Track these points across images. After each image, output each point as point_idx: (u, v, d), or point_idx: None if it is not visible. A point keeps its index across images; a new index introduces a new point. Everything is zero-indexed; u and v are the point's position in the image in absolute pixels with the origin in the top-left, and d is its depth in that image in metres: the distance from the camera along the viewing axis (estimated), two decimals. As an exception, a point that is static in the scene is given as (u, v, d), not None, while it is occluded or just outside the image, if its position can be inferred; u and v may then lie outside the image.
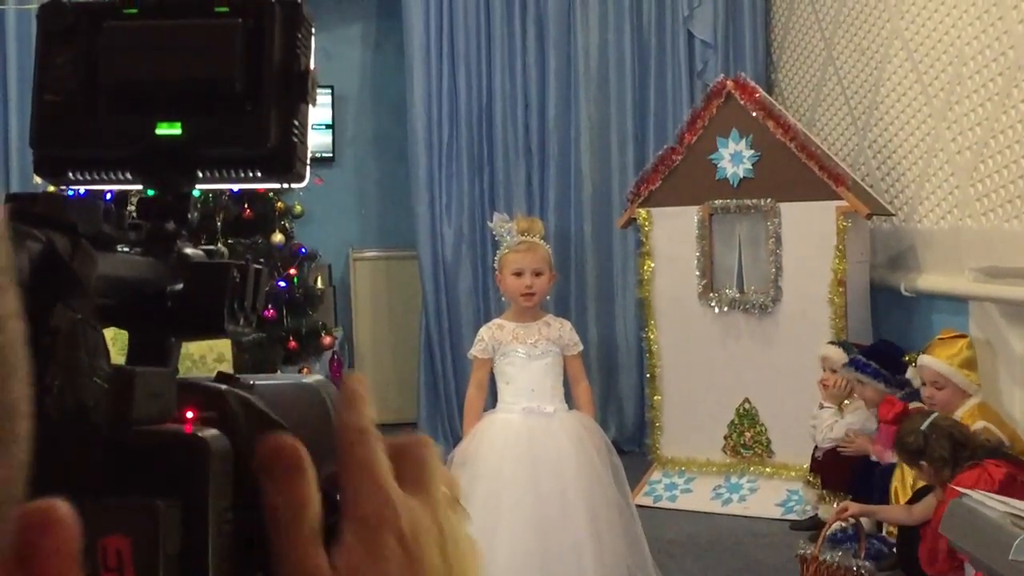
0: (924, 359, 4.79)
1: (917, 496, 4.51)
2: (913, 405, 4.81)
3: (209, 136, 1.03)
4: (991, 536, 2.47)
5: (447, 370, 7.21)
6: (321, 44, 6.82)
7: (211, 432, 0.88)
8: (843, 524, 5.10)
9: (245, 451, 0.94)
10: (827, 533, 4.46)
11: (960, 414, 4.64)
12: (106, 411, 0.74)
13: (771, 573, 4.79)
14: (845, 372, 5.17)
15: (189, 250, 1.06)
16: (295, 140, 1.05)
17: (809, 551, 4.29)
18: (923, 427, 4.26)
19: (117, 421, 0.75)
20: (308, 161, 1.08)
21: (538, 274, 4.26)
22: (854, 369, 5.08)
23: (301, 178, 1.10)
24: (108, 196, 1.04)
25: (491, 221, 4.55)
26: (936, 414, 4.41)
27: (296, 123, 1.05)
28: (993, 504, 2.58)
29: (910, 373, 4.98)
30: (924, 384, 4.79)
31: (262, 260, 1.01)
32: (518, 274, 4.23)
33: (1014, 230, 4.88)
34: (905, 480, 4.76)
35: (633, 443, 6.99)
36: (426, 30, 7.13)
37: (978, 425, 4.54)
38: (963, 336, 4.84)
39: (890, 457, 4.85)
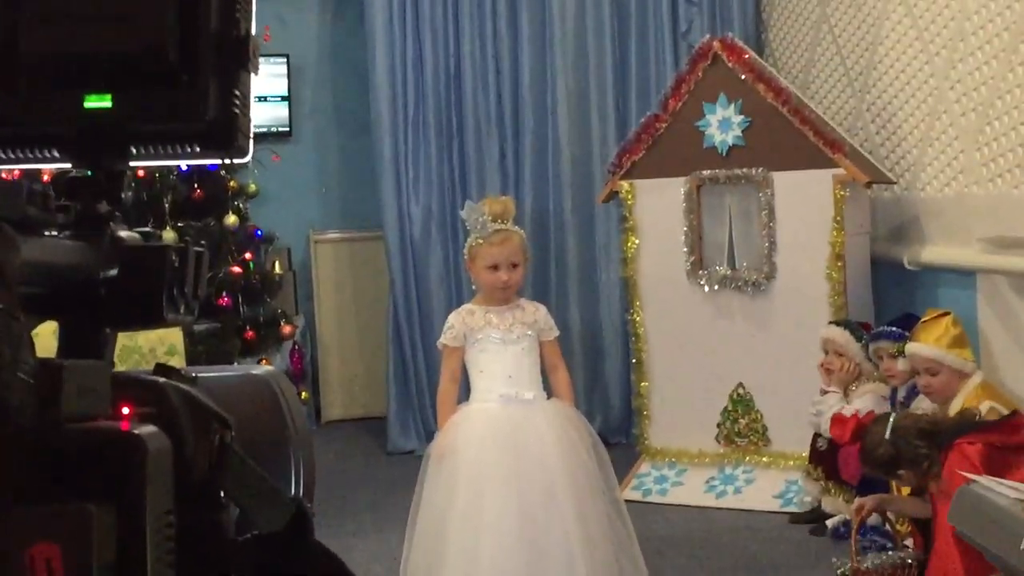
0: (911, 347, 4.80)
1: None
2: (864, 413, 4.82)
3: (142, 109, 1.02)
4: (1001, 523, 2.49)
5: (418, 360, 7.20)
6: (275, 10, 6.81)
7: (149, 429, 0.88)
8: (847, 517, 5.14)
9: (188, 450, 0.94)
10: (856, 534, 4.44)
11: (963, 397, 4.65)
12: (31, 408, 0.74)
13: (769, 569, 4.81)
14: (874, 346, 5.14)
15: (124, 233, 1.05)
16: (236, 112, 1.04)
17: (848, 566, 4.28)
18: (887, 435, 4.21)
19: (44, 419, 0.75)
20: (251, 134, 1.08)
21: (514, 266, 4.26)
22: (890, 340, 5.06)
23: (244, 152, 1.10)
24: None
25: (462, 211, 4.52)
26: (893, 415, 4.36)
27: (237, 93, 1.05)
28: (1003, 490, 2.60)
29: (901, 364, 4.99)
30: (918, 373, 4.80)
31: (203, 242, 1.00)
32: (493, 267, 4.23)
33: (1023, 196, 4.90)
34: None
35: (620, 434, 7.00)
36: (388, -7, 7.10)
37: (984, 406, 4.55)
38: (946, 313, 4.84)
39: (855, 396, 5.07)
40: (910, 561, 4.29)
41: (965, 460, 3.95)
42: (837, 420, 4.82)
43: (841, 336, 5.30)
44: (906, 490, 4.62)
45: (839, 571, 4.29)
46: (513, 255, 4.25)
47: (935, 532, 4.07)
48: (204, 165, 6.05)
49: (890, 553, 4.35)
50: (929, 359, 4.72)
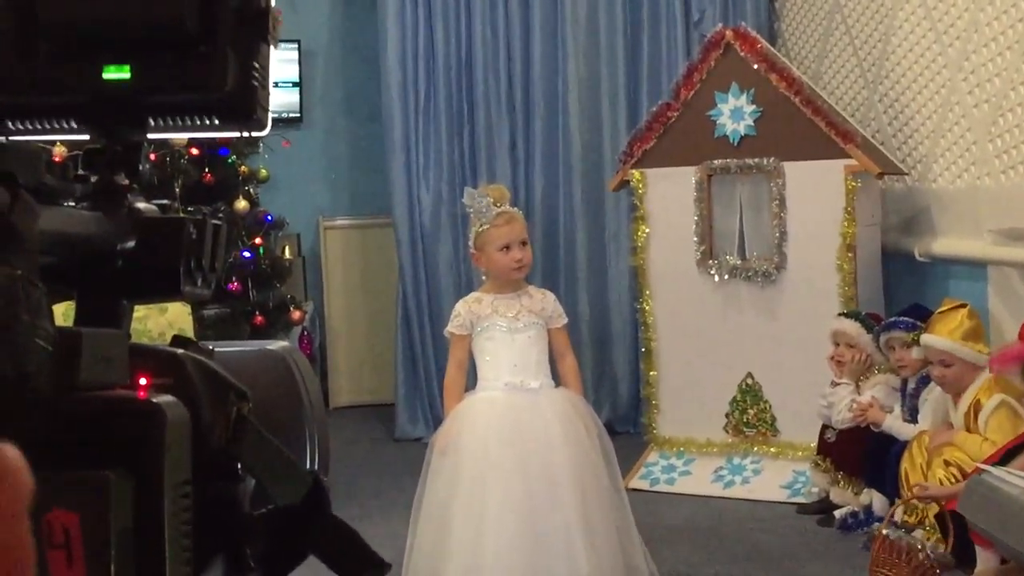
0: (925, 338, 4.77)
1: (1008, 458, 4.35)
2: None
3: (161, 80, 1.01)
4: (1013, 513, 2.48)
5: (426, 347, 7.20)
6: (287, -6, 6.69)
7: (167, 399, 0.88)
8: (855, 508, 5.14)
9: (205, 420, 0.93)
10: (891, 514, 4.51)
11: (974, 389, 4.64)
12: (49, 376, 0.73)
13: (776, 559, 4.80)
14: (886, 336, 5.13)
15: (141, 204, 1.05)
16: (255, 84, 1.04)
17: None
18: None
19: (62, 386, 0.74)
20: (269, 107, 1.07)
21: (524, 244, 4.27)
22: (903, 329, 5.05)
23: (263, 125, 1.09)
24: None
25: (463, 197, 4.52)
26: None
27: (256, 65, 1.04)
28: (1015, 480, 2.59)
29: (915, 353, 4.97)
30: (932, 363, 4.79)
31: (221, 215, 0.99)
32: (506, 248, 4.22)
33: (1036, 189, 4.89)
34: (915, 461, 4.77)
35: (628, 423, 7.00)
36: (400, -22, 7.09)
37: (994, 400, 4.54)
38: (963, 305, 4.82)
39: (867, 387, 5.05)
40: (922, 547, 4.26)
41: None
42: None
43: (852, 328, 5.29)
44: (918, 462, 4.62)
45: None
46: (522, 233, 4.26)
47: None
48: (215, 148, 6.07)
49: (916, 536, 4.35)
50: (942, 351, 4.70)
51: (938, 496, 4.43)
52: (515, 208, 4.39)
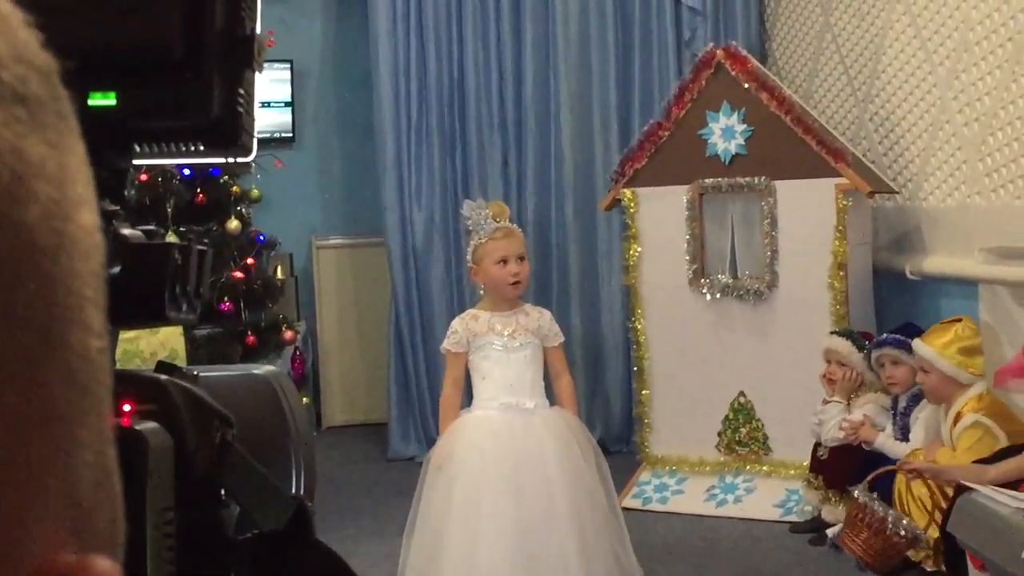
0: (915, 342, 4.83)
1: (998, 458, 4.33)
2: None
3: (146, 107, 1.02)
4: (1002, 533, 2.49)
5: (419, 367, 7.20)
6: (279, 15, 6.80)
7: (150, 426, 0.88)
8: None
9: (189, 447, 0.94)
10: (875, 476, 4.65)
11: (957, 405, 4.67)
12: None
13: (769, 579, 4.81)
14: (877, 352, 5.15)
15: (127, 230, 1.05)
16: (240, 110, 1.04)
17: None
18: None
19: (45, 414, 0.75)
20: (255, 133, 1.08)
21: (522, 259, 4.26)
22: (893, 347, 5.07)
23: (248, 151, 1.10)
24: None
25: (463, 208, 4.53)
26: None
27: (241, 91, 1.05)
28: (1004, 499, 2.59)
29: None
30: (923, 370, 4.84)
31: (206, 241, 1.00)
32: (503, 262, 4.22)
33: (1026, 207, 4.90)
34: (907, 479, 4.77)
35: (621, 442, 7.00)
36: (392, -2, 7.11)
37: (969, 418, 4.56)
38: (958, 320, 4.86)
39: (857, 405, 5.09)
40: (903, 533, 4.36)
41: None
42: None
43: (843, 346, 5.30)
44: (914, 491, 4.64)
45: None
46: (520, 248, 4.25)
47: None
48: (207, 169, 6.07)
49: (891, 519, 4.43)
50: (923, 357, 4.76)
51: (924, 470, 4.51)
52: (515, 225, 4.40)
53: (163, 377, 0.90)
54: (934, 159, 5.62)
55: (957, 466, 4.50)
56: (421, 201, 7.17)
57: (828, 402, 5.30)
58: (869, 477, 4.72)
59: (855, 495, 4.61)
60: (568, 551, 3.95)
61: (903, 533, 4.47)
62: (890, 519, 4.48)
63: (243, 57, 0.97)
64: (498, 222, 4.27)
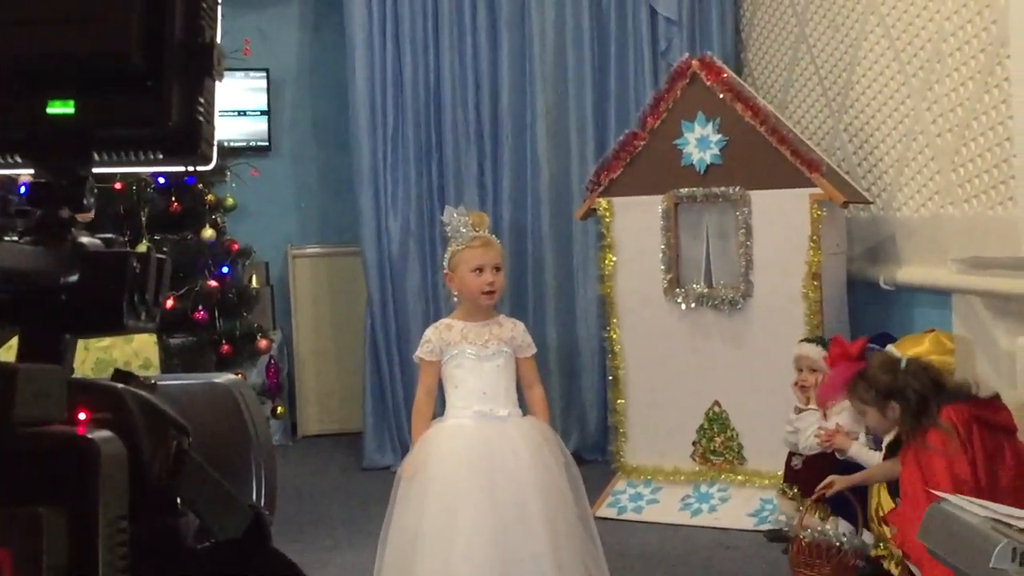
0: (888, 347, 4.85)
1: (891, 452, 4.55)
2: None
3: (106, 115, 1.02)
4: (971, 543, 2.50)
5: (395, 376, 7.20)
6: (255, 24, 6.81)
7: (103, 434, 0.88)
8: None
9: (144, 456, 0.93)
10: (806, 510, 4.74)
11: None
12: (-17, 412, 0.74)
13: (743, 588, 4.81)
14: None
15: (85, 239, 1.05)
16: (200, 119, 1.04)
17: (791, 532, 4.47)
18: (900, 364, 4.32)
19: (-4, 422, 0.75)
20: (215, 142, 1.08)
21: (498, 269, 4.26)
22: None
23: (208, 160, 1.10)
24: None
25: (442, 215, 4.53)
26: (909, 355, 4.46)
27: (201, 100, 1.05)
28: (973, 509, 2.60)
29: None
30: None
31: (165, 250, 1.00)
32: (478, 270, 4.22)
33: (999, 217, 4.92)
34: (881, 489, 4.79)
35: (596, 451, 7.00)
36: (368, 8, 7.10)
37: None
38: (931, 331, 4.90)
39: (832, 413, 5.10)
40: (840, 543, 4.47)
41: (950, 424, 4.03)
42: (836, 342, 4.80)
43: (814, 351, 5.31)
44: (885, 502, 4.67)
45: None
46: (496, 258, 4.25)
47: (901, 493, 4.13)
48: (182, 177, 6.06)
49: (831, 532, 4.51)
50: None
51: (844, 487, 4.64)
52: (494, 236, 4.40)
53: (119, 386, 0.90)
54: (908, 169, 5.65)
55: (871, 470, 4.63)
56: (397, 210, 7.16)
57: (802, 411, 5.30)
58: (812, 497, 4.76)
59: (799, 536, 4.67)
60: (543, 560, 3.95)
61: (850, 551, 4.59)
62: (843, 543, 4.60)
63: (203, 66, 0.97)
64: (477, 231, 4.27)
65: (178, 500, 0.90)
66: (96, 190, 1.01)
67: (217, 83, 1.01)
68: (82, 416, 0.83)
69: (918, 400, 4.21)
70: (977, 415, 4.12)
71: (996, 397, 4.29)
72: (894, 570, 4.61)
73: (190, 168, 0.98)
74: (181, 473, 0.90)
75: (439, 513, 3.99)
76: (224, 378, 1.08)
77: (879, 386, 4.33)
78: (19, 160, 0.99)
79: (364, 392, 7.28)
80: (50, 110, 0.96)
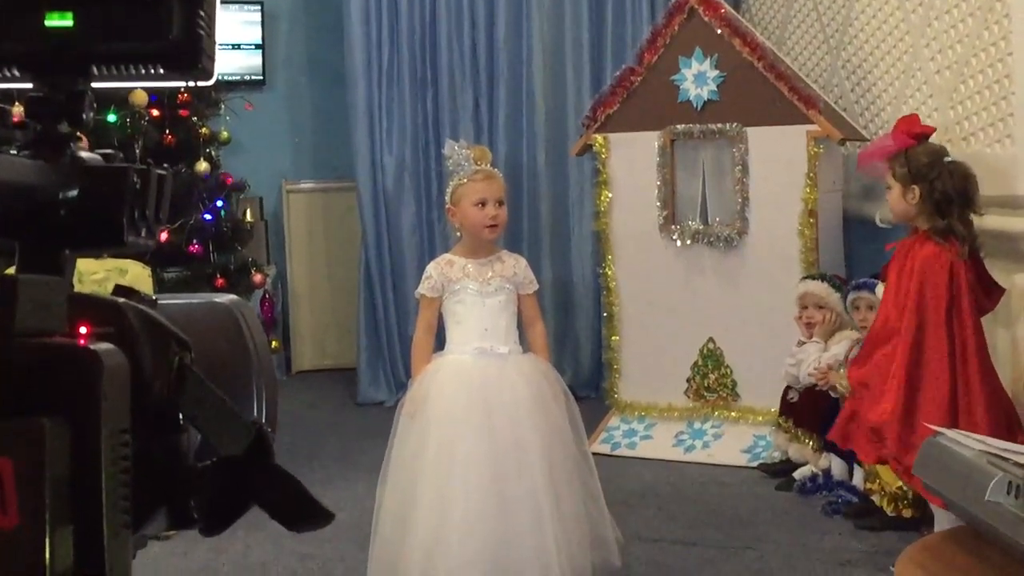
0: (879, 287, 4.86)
1: None
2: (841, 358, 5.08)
3: (104, 28, 1.00)
4: (966, 476, 2.50)
5: (389, 311, 7.20)
6: (249, -45, 6.64)
7: (105, 347, 0.87)
8: (814, 470, 5.18)
9: (146, 370, 0.92)
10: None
11: None
12: (-16, 321, 0.73)
13: (735, 522, 4.83)
14: (854, 295, 5.17)
15: (84, 154, 1.04)
16: (201, 32, 1.03)
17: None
18: (945, 157, 4.30)
19: (-3, 332, 0.74)
20: (215, 56, 1.06)
21: (500, 203, 4.22)
22: (871, 291, 5.08)
23: (208, 75, 1.08)
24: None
25: (443, 149, 4.48)
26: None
27: (202, 13, 1.03)
28: (969, 443, 2.61)
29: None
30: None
31: (166, 165, 0.99)
32: (481, 204, 4.18)
33: (997, 155, 4.90)
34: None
35: (590, 387, 7.02)
36: (363, -60, 7.04)
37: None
38: None
39: (833, 342, 5.18)
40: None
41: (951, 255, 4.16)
42: (911, 117, 4.70)
43: (821, 289, 5.32)
44: None
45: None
46: (499, 192, 4.20)
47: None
48: (176, 109, 6.02)
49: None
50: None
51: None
52: (496, 169, 4.36)
53: (120, 300, 0.89)
54: (906, 107, 5.61)
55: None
56: (392, 145, 7.13)
57: (803, 344, 5.33)
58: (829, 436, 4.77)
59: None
60: (540, 496, 3.95)
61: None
62: None
63: (204, -23, 0.95)
64: (479, 165, 4.23)
65: (180, 416, 0.90)
66: (95, 104, 0.99)
67: (218, -2, 0.99)
68: (83, 330, 0.82)
69: (941, 196, 4.21)
70: (972, 283, 4.18)
71: (998, 287, 4.33)
72: (886, 507, 4.64)
73: (191, 83, 0.97)
74: (183, 388, 0.89)
75: (438, 448, 3.99)
76: (225, 298, 1.07)
77: (913, 165, 4.30)
78: (17, 74, 0.97)
79: (358, 328, 7.28)
80: (48, 22, 0.94)
